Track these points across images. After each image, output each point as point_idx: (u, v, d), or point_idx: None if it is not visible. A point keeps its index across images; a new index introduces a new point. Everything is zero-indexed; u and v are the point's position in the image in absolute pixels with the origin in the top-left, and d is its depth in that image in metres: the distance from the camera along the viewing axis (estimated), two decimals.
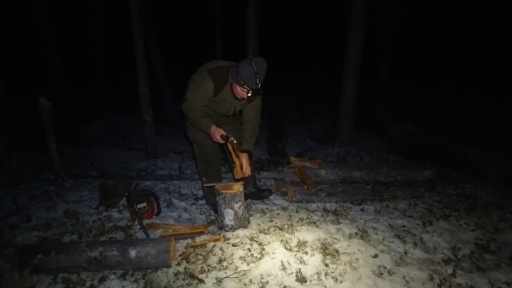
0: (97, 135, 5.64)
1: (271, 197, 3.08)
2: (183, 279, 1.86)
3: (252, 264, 1.96)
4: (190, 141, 2.69)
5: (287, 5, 9.75)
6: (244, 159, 2.40)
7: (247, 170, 2.41)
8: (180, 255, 2.09)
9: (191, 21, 11.03)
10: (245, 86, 2.13)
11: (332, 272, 1.93)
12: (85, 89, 8.22)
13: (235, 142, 2.34)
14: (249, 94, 2.18)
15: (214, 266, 1.96)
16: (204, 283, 1.82)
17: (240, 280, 1.84)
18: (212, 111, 2.47)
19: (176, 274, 1.91)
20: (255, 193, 3.00)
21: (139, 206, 2.52)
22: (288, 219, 2.60)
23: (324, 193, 3.01)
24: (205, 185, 2.52)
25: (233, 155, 2.39)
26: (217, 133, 2.32)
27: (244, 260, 2.00)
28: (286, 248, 2.11)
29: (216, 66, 2.30)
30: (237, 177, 2.43)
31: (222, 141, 2.35)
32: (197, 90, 2.27)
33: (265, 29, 5.94)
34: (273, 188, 3.34)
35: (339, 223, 2.54)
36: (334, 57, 6.50)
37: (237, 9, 5.80)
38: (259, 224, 2.48)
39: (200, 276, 1.88)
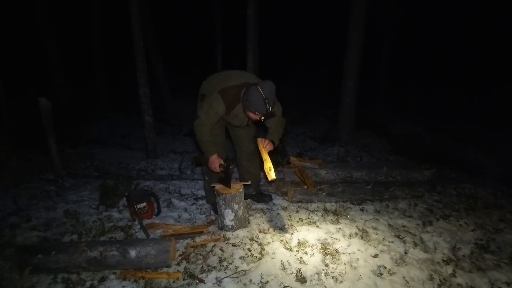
0: (97, 135, 5.64)
1: None
2: (183, 279, 1.86)
3: (252, 264, 1.96)
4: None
5: (287, 4, 9.75)
6: (267, 144, 2.38)
7: (267, 146, 2.38)
8: (180, 255, 2.09)
9: (191, 21, 11.03)
10: (256, 113, 2.15)
11: (332, 272, 1.93)
12: (85, 89, 8.22)
13: (231, 167, 2.37)
14: (262, 118, 2.18)
15: (214, 266, 1.96)
16: (204, 283, 1.82)
17: (240, 280, 1.84)
18: (226, 122, 2.53)
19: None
20: (256, 196, 2.99)
21: (139, 206, 2.52)
22: (288, 219, 2.60)
23: (324, 193, 3.01)
24: (212, 185, 2.50)
25: (262, 152, 2.35)
26: (217, 163, 2.35)
27: (244, 260, 2.00)
28: (286, 248, 2.11)
29: (227, 86, 2.28)
30: (269, 179, 2.30)
31: (219, 170, 2.37)
32: (209, 110, 2.29)
33: (265, 29, 5.93)
34: (273, 188, 3.34)
35: (339, 223, 2.54)
36: (334, 57, 6.49)
37: (237, 9, 5.80)
38: (259, 224, 2.48)
39: (200, 276, 1.88)
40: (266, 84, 2.13)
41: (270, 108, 2.11)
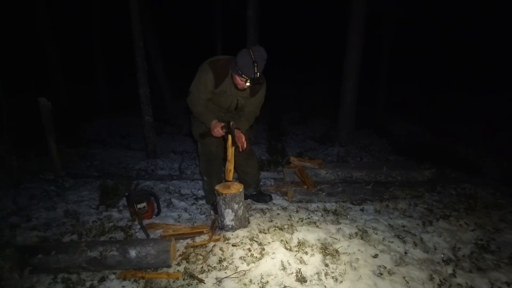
0: (97, 135, 5.64)
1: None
2: (183, 279, 1.86)
3: (252, 264, 1.96)
4: (195, 138, 2.70)
5: (287, 5, 9.75)
6: (237, 133, 2.27)
7: (244, 144, 2.28)
8: (180, 255, 2.09)
9: (191, 21, 11.03)
10: (243, 76, 2.11)
11: (332, 272, 1.92)
12: (85, 89, 8.23)
13: (234, 125, 2.26)
14: (248, 84, 2.15)
15: (214, 266, 1.96)
16: (204, 283, 1.82)
17: (240, 280, 1.84)
18: (215, 105, 2.49)
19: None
20: (256, 195, 2.99)
21: (139, 206, 2.52)
22: (288, 219, 2.60)
23: (324, 193, 3.01)
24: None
25: (229, 150, 2.28)
26: (218, 125, 2.30)
27: (244, 260, 2.00)
28: (286, 248, 2.10)
29: (216, 58, 2.32)
30: (227, 178, 2.33)
31: (222, 133, 2.32)
32: (199, 83, 2.29)
33: (265, 29, 5.93)
34: (273, 188, 3.34)
35: (339, 223, 2.54)
36: (334, 57, 6.49)
37: (237, 9, 5.80)
38: (259, 224, 2.47)
39: (200, 276, 1.88)
40: (258, 49, 2.10)
41: (258, 74, 2.07)
